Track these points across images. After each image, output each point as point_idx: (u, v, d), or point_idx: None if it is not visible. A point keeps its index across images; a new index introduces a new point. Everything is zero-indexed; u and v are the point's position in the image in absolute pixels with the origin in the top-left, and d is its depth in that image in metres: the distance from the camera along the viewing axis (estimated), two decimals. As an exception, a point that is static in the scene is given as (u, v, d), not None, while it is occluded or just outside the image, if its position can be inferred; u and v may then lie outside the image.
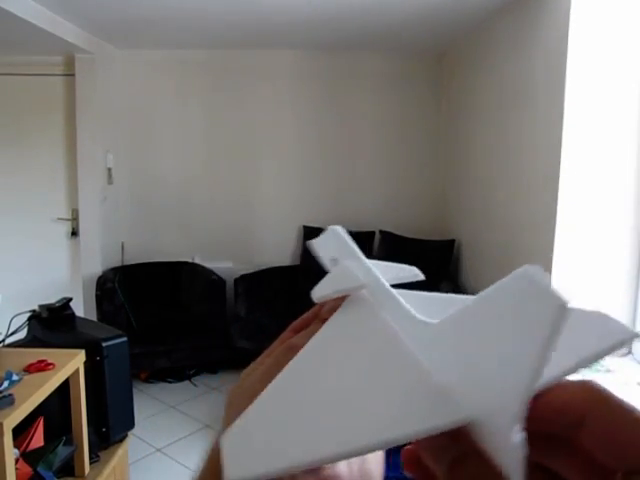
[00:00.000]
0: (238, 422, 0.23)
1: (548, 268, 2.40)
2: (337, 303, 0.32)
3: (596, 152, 2.29)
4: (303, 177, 4.18)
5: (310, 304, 0.34)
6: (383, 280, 0.29)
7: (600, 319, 0.23)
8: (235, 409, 0.27)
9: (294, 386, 0.25)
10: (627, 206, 2.32)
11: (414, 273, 0.34)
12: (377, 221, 4.05)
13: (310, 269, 3.97)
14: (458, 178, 3.84)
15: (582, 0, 2.20)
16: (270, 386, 0.25)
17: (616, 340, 0.21)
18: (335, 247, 0.36)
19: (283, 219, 4.18)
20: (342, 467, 0.28)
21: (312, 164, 4.17)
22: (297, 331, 0.34)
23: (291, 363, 0.26)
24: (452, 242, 3.74)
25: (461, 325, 0.21)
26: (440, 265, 3.62)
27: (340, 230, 0.37)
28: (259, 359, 0.33)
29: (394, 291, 0.28)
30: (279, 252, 4.16)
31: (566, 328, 0.21)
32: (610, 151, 2.29)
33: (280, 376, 0.25)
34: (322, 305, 0.34)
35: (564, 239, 2.35)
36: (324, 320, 0.31)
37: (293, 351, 0.28)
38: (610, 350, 0.21)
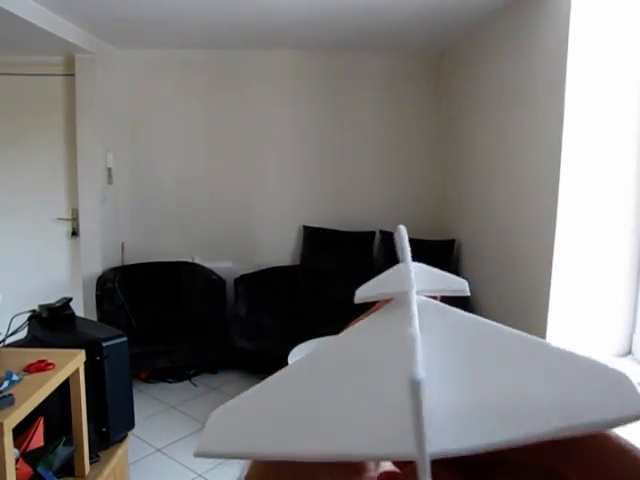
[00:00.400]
0: (231, 401, 0.24)
1: (548, 269, 2.40)
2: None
3: (596, 153, 2.29)
4: (303, 177, 4.18)
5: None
6: (413, 292, 0.29)
7: (618, 382, 0.19)
8: None
9: (292, 380, 0.25)
10: (627, 208, 2.32)
11: (462, 288, 0.34)
12: (377, 221, 4.04)
13: (310, 269, 3.97)
14: (458, 178, 3.84)
15: (582, 0, 2.20)
16: (276, 374, 0.25)
17: (627, 415, 0.18)
18: (398, 248, 0.36)
19: (283, 219, 4.18)
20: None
21: (312, 164, 4.17)
22: None
23: (302, 358, 0.27)
24: (452, 242, 3.74)
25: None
26: (440, 265, 3.58)
27: (401, 230, 0.36)
28: None
29: (416, 307, 0.28)
30: (279, 252, 4.16)
31: (576, 382, 0.20)
32: (610, 152, 2.29)
33: (287, 368, 0.26)
34: (376, 308, 0.34)
35: (564, 240, 2.35)
36: None
37: None
38: (617, 423, 0.18)
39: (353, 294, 0.35)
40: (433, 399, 0.20)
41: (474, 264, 3.49)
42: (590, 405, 0.19)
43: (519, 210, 2.80)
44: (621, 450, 0.19)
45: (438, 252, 3.69)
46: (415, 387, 0.16)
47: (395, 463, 0.24)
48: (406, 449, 0.18)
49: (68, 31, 3.21)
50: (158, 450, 2.73)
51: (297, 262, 4.13)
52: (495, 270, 3.08)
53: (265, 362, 3.43)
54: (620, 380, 0.19)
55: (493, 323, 0.26)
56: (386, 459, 0.19)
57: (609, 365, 0.20)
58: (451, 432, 0.19)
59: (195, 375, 3.59)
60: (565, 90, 2.26)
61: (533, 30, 2.61)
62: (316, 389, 0.24)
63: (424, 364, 0.21)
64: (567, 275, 2.37)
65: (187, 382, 3.52)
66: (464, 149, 3.70)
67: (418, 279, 0.31)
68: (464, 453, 0.18)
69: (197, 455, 0.21)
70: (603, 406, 0.18)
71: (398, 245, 0.36)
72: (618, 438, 0.19)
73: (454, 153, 3.91)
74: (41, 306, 2.17)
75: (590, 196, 2.32)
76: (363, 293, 0.33)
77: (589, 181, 2.31)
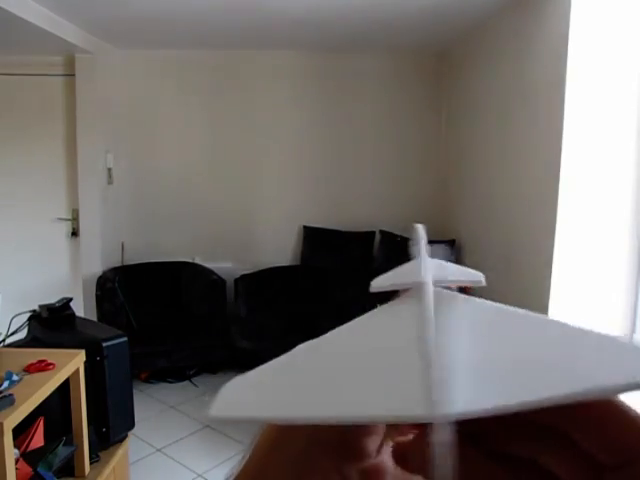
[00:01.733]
0: (247, 373, 0.24)
1: (548, 268, 2.40)
2: None
3: (597, 152, 2.29)
4: (303, 177, 4.18)
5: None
6: (428, 280, 0.30)
7: (632, 351, 0.20)
8: None
9: (309, 350, 0.26)
10: (628, 207, 2.32)
11: (479, 279, 0.34)
12: (377, 221, 4.04)
13: (310, 269, 3.97)
14: (458, 178, 3.84)
15: (582, 0, 2.20)
16: (291, 351, 0.26)
17: (631, 381, 0.18)
18: (415, 244, 0.37)
19: (283, 219, 4.18)
20: (388, 461, 0.28)
21: (312, 164, 4.17)
22: None
23: (326, 335, 0.27)
24: (452, 242, 3.74)
25: None
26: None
27: (419, 228, 0.37)
28: None
29: (431, 289, 0.28)
30: (279, 252, 4.16)
31: (591, 348, 0.20)
32: (610, 151, 2.29)
33: (301, 346, 0.26)
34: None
35: (564, 239, 2.35)
36: None
37: None
38: (627, 389, 0.18)
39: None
40: (449, 364, 0.20)
41: (474, 264, 3.48)
42: (602, 371, 0.19)
43: (519, 210, 2.80)
44: (623, 412, 0.19)
45: (439, 252, 3.68)
46: (425, 346, 0.16)
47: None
48: (414, 412, 0.18)
49: (68, 31, 3.21)
50: (158, 450, 2.73)
51: (297, 262, 4.13)
52: (495, 270, 3.08)
53: (265, 362, 3.43)
54: (634, 349, 0.20)
55: (512, 308, 0.26)
56: (396, 422, 0.19)
57: (626, 338, 0.20)
58: (468, 395, 0.19)
59: (195, 375, 3.59)
60: (565, 89, 2.26)
61: (534, 28, 2.61)
62: (331, 360, 0.25)
63: (444, 332, 0.22)
64: (567, 274, 2.37)
65: (187, 382, 3.52)
66: (464, 149, 3.70)
67: (435, 271, 0.31)
68: (481, 415, 0.18)
69: (211, 418, 0.21)
70: (614, 372, 0.19)
71: (415, 242, 0.37)
72: (620, 401, 0.20)
73: (454, 153, 3.91)
74: (41, 306, 2.17)
75: (591, 195, 2.32)
76: (378, 283, 0.33)
77: (590, 180, 2.31)
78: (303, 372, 0.24)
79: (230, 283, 3.68)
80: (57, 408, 1.79)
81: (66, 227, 3.92)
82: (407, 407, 0.19)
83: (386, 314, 0.29)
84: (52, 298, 2.22)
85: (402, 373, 0.21)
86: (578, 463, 0.20)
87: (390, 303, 0.30)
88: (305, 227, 4.11)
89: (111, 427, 2.00)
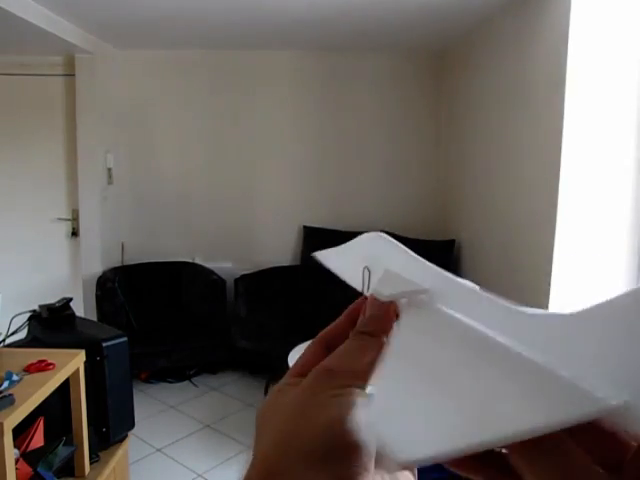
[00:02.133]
0: (371, 411, 0.23)
1: (548, 269, 2.40)
2: (377, 313, 0.31)
3: (596, 153, 2.29)
4: (303, 177, 4.18)
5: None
6: (459, 280, 0.29)
7: None
8: (270, 427, 0.28)
9: (412, 382, 0.25)
10: (628, 208, 2.32)
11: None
12: (377, 221, 4.04)
13: (310, 269, 3.97)
14: (458, 178, 3.84)
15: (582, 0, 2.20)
16: (384, 382, 0.25)
17: None
18: (379, 252, 0.35)
19: (283, 219, 4.18)
20: None
21: (312, 164, 4.17)
22: (326, 341, 0.33)
23: (387, 366, 0.26)
24: (452, 242, 3.74)
25: (600, 318, 0.22)
26: (440, 265, 3.60)
27: (386, 236, 0.36)
28: (290, 377, 0.31)
29: (478, 290, 0.27)
30: (279, 252, 4.16)
31: None
32: (610, 151, 2.29)
33: (388, 373, 0.25)
34: (349, 315, 0.34)
35: (564, 238, 2.35)
36: (362, 333, 0.30)
37: (330, 375, 0.28)
38: None
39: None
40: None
41: (474, 264, 3.49)
42: None
43: (519, 210, 2.80)
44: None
45: (438, 252, 3.69)
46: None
47: None
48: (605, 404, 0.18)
49: (68, 31, 3.21)
50: (158, 450, 2.73)
51: (297, 262, 4.13)
52: (495, 270, 3.08)
53: (265, 362, 3.43)
54: None
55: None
56: (592, 417, 0.19)
57: None
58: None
59: (195, 375, 3.59)
60: (565, 89, 2.26)
61: (534, 28, 2.61)
62: (458, 383, 0.24)
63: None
64: (567, 275, 2.37)
65: (187, 382, 3.52)
66: (464, 148, 3.70)
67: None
68: None
69: (403, 463, 0.20)
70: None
71: (355, 256, 0.36)
72: None
73: (454, 153, 3.91)
74: (41, 306, 2.17)
75: (590, 196, 2.32)
76: (386, 292, 0.32)
77: (589, 181, 2.31)
78: (450, 398, 0.23)
79: (230, 283, 3.68)
80: (57, 408, 1.79)
81: (66, 227, 3.92)
82: (589, 405, 0.19)
83: (444, 323, 0.27)
84: (52, 298, 2.22)
85: (544, 380, 0.21)
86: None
87: (416, 315, 0.29)
88: (305, 227, 4.11)
89: (111, 427, 2.00)
